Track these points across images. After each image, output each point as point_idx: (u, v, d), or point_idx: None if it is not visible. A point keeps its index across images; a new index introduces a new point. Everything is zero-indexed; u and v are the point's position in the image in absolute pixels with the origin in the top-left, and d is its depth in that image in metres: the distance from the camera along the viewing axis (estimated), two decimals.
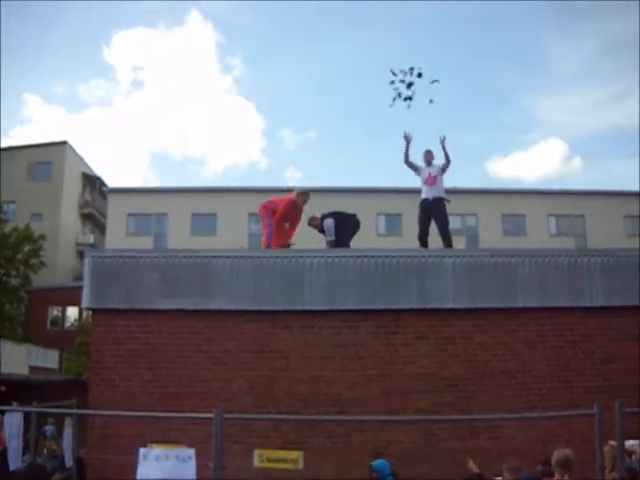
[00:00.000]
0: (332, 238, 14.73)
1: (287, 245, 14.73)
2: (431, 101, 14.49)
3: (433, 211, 15.15)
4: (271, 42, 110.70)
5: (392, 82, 14.56)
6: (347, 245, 14.77)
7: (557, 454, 7.73)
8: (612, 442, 7.57)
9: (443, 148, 15.20)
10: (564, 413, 11.61)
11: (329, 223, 14.86)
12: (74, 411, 14.27)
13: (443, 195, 15.29)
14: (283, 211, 14.54)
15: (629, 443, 8.77)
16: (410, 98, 14.59)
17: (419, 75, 14.48)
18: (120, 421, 11.80)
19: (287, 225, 14.92)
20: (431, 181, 15.22)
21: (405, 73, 14.41)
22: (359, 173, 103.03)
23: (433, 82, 14.70)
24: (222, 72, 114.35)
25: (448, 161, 15.21)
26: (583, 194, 49.25)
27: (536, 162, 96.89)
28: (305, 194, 14.91)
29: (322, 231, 15.05)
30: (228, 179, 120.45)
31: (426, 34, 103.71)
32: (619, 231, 47.33)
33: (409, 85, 14.65)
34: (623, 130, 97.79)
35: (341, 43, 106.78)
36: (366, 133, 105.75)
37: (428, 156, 15.38)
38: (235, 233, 44.12)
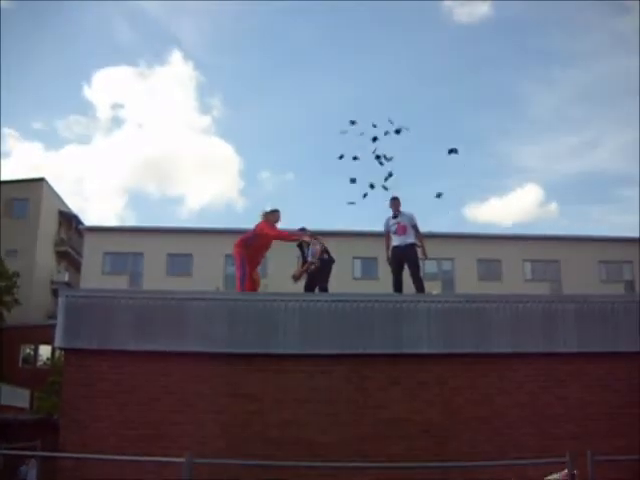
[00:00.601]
0: (314, 261, 14.98)
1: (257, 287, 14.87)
2: (385, 160, 14.55)
3: (405, 257, 15.22)
4: (251, 83, 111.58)
5: (344, 132, 14.70)
6: (326, 290, 14.89)
7: None
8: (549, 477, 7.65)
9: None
10: (537, 461, 11.58)
11: (314, 250, 15.23)
12: (42, 453, 14.13)
13: (414, 241, 15.37)
14: (268, 226, 14.87)
15: (553, 477, 8.84)
16: (379, 157, 14.71)
17: (397, 131, 14.58)
18: (91, 464, 11.66)
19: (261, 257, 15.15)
20: (401, 231, 15.29)
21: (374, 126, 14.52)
22: (336, 216, 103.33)
23: (398, 131, 14.78)
24: (201, 112, 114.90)
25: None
26: (558, 239, 49.59)
27: (513, 207, 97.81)
28: (276, 212, 15.16)
29: (300, 247, 15.41)
30: (205, 219, 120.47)
31: (404, 78, 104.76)
32: (594, 276, 47.62)
33: (374, 139, 14.77)
34: (597, 176, 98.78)
35: (321, 86, 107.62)
36: (343, 176, 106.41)
37: (395, 203, 15.41)
38: (211, 274, 44.06)
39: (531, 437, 12.54)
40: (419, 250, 15.53)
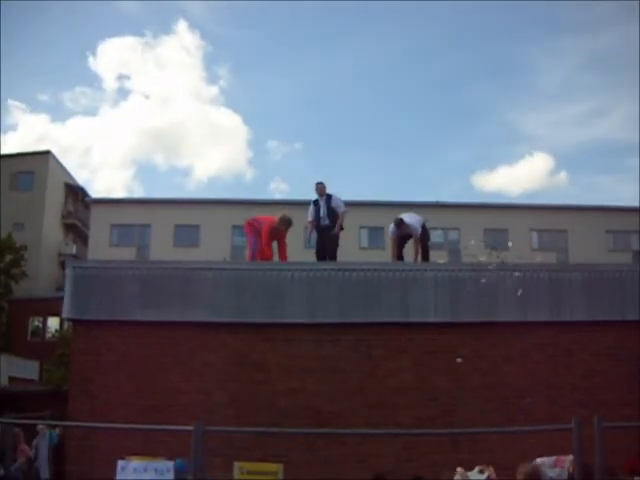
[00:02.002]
0: (344, 210, 15.85)
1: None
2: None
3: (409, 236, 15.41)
4: (258, 52, 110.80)
5: None
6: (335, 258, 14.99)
7: (525, 469, 7.69)
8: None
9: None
10: (543, 427, 11.58)
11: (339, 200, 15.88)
12: (53, 422, 14.22)
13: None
14: (267, 237, 14.64)
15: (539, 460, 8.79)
16: None
17: None
18: (99, 433, 11.71)
19: (275, 245, 15.04)
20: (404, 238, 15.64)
21: None
22: (343, 186, 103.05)
23: None
24: (209, 82, 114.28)
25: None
26: (566, 209, 49.36)
27: (522, 176, 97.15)
28: (286, 223, 14.93)
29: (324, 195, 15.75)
30: (213, 190, 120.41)
31: (413, 48, 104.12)
32: (602, 246, 47.44)
33: None
34: (606, 145, 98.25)
35: (328, 55, 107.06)
36: (351, 146, 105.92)
37: (402, 228, 15.58)
38: (218, 245, 43.99)
39: (538, 405, 12.55)
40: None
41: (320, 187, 15.79)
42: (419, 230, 15.37)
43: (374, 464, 11.80)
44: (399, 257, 15.49)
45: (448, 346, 12.78)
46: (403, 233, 15.42)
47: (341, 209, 15.68)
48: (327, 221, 15.49)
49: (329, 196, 15.72)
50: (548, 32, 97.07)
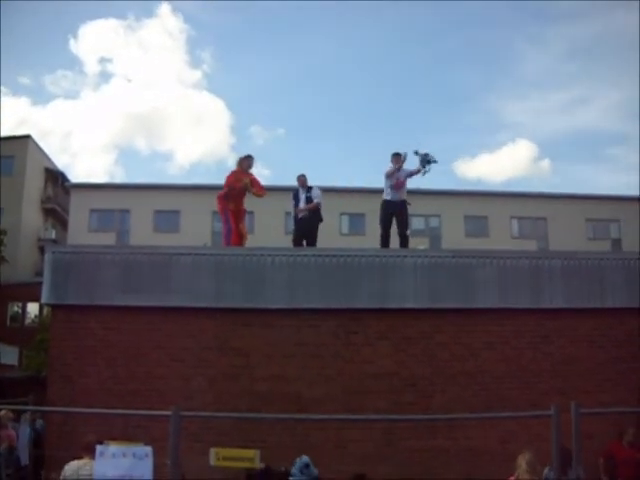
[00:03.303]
0: (318, 201, 15.58)
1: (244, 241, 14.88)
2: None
3: (397, 213, 15.27)
4: (241, 37, 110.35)
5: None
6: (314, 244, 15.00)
7: (527, 457, 7.71)
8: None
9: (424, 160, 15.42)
10: (521, 414, 11.69)
11: (318, 192, 15.69)
12: (30, 408, 14.16)
13: (406, 198, 15.44)
14: (229, 181, 14.82)
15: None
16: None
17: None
18: (78, 418, 11.68)
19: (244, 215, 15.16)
20: (399, 186, 15.31)
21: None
22: (325, 172, 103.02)
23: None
24: (192, 66, 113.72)
25: (420, 170, 15.46)
26: (546, 197, 49.53)
27: (505, 163, 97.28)
28: (248, 158, 15.21)
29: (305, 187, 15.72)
30: (195, 175, 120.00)
31: (397, 35, 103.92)
32: (581, 234, 47.66)
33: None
34: (588, 134, 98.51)
35: (312, 40, 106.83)
36: (334, 132, 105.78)
37: (398, 159, 15.40)
38: (198, 231, 43.87)
39: (517, 392, 12.61)
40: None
41: (301, 179, 15.78)
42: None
43: (353, 449, 11.87)
44: (386, 238, 15.42)
45: (427, 332, 12.83)
46: (399, 172, 15.33)
47: (316, 199, 15.68)
48: (305, 212, 15.47)
49: (310, 188, 15.73)
50: (532, 20, 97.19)
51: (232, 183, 14.70)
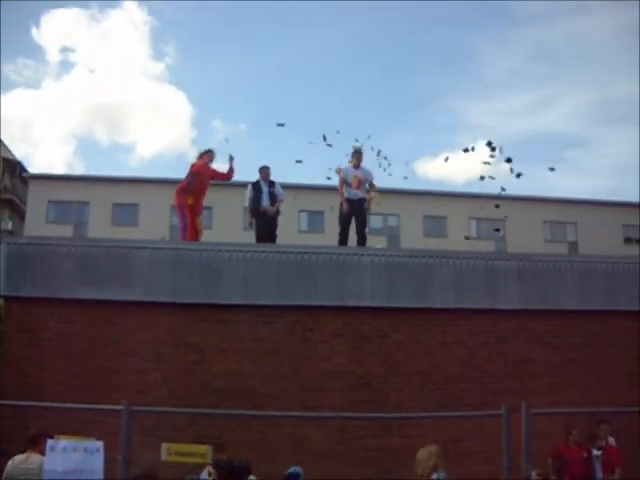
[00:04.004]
0: (282, 199, 15.71)
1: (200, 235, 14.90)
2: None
3: (356, 212, 15.28)
4: (205, 31, 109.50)
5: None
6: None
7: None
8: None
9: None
10: (473, 413, 11.79)
11: (280, 188, 15.76)
12: None
13: (364, 196, 15.46)
14: (200, 171, 14.83)
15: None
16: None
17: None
18: (30, 412, 11.57)
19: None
20: (357, 184, 15.32)
21: None
22: (284, 169, 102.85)
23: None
24: (155, 59, 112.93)
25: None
26: (504, 198, 49.83)
27: (465, 164, 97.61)
28: (210, 152, 15.20)
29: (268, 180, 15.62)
30: (156, 168, 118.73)
31: (360, 34, 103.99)
32: (539, 236, 48.09)
33: None
34: (549, 137, 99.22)
35: (274, 38, 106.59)
36: (294, 129, 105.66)
37: (358, 157, 15.44)
38: (157, 224, 43.64)
39: (471, 392, 12.71)
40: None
41: (265, 171, 15.65)
42: (373, 177, 15.62)
43: (308, 447, 11.89)
44: (345, 237, 15.43)
45: (383, 331, 12.89)
46: (356, 172, 15.33)
47: (281, 197, 15.66)
48: (270, 205, 15.41)
49: (272, 182, 15.68)
50: (496, 23, 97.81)
51: (194, 171, 14.68)
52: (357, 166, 15.39)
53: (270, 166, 15.84)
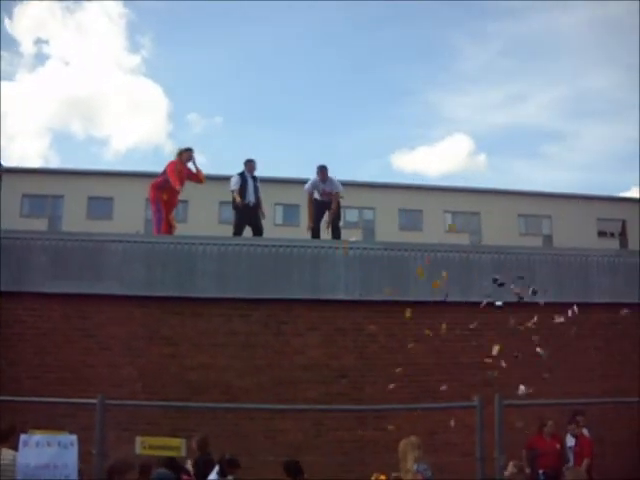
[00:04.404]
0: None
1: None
2: None
3: (327, 206, 15.30)
4: (181, 24, 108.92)
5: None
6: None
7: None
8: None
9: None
10: (446, 404, 11.83)
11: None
12: None
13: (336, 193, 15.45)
14: (173, 174, 14.53)
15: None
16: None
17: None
18: (5, 407, 11.49)
19: (179, 188, 14.77)
20: (326, 196, 15.33)
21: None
22: (260, 162, 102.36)
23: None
24: (130, 51, 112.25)
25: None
26: (479, 192, 50.09)
27: (442, 156, 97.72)
28: (188, 150, 15.04)
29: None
30: (132, 161, 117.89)
31: (335, 26, 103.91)
32: (514, 229, 48.30)
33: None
34: (524, 130, 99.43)
35: (250, 30, 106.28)
36: (270, 122, 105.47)
37: (323, 172, 15.35)
38: (132, 218, 43.50)
39: (446, 384, 12.74)
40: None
41: (250, 165, 15.54)
42: (340, 188, 15.40)
43: (283, 439, 11.90)
44: (316, 230, 15.42)
45: (358, 324, 12.91)
46: (323, 187, 15.28)
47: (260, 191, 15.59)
48: (254, 199, 15.35)
49: (255, 177, 15.59)
50: (472, 16, 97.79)
51: (177, 177, 14.53)
52: (324, 180, 15.31)
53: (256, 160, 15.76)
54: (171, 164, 14.74)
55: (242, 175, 15.50)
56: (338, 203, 15.40)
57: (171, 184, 14.36)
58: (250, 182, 15.42)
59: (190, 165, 15.09)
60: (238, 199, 15.21)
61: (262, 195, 15.68)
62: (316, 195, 15.44)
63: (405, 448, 8.34)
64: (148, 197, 15.17)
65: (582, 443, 12.08)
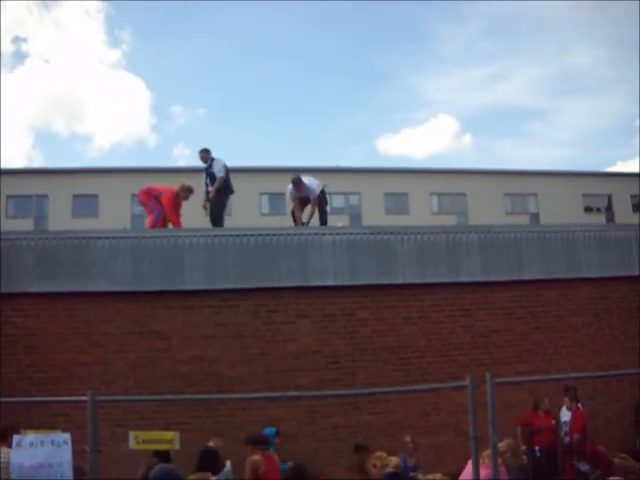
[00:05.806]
0: (221, 175, 15.19)
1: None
2: None
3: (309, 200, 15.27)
4: (161, 16, 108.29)
5: None
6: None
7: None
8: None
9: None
10: (438, 385, 11.86)
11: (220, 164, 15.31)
12: None
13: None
14: (171, 207, 14.29)
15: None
16: None
17: None
18: None
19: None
20: (306, 199, 15.30)
21: None
22: (246, 152, 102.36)
23: None
24: (110, 45, 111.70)
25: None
26: (465, 173, 50.10)
27: (428, 138, 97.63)
28: (187, 191, 14.70)
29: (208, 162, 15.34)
30: (117, 157, 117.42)
31: (316, 13, 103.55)
32: (500, 209, 48.35)
33: None
34: (507, 110, 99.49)
35: (231, 20, 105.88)
36: (254, 112, 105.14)
37: (298, 186, 15.10)
38: (118, 214, 43.38)
39: (438, 365, 12.78)
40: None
41: (202, 154, 15.45)
42: (317, 192, 15.25)
43: (278, 428, 11.88)
44: (299, 221, 15.38)
45: (348, 309, 12.90)
46: (301, 195, 15.22)
47: (219, 173, 15.26)
48: (210, 188, 15.27)
49: (212, 161, 15.34)
50: None
51: (172, 206, 14.32)
52: (299, 192, 15.18)
53: (209, 148, 15.60)
54: (171, 197, 14.39)
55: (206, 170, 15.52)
56: (319, 205, 15.24)
57: (173, 223, 14.20)
58: (204, 174, 15.49)
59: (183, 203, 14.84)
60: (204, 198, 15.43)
61: (220, 175, 15.27)
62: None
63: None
64: (140, 197, 14.86)
65: (576, 416, 12.14)
